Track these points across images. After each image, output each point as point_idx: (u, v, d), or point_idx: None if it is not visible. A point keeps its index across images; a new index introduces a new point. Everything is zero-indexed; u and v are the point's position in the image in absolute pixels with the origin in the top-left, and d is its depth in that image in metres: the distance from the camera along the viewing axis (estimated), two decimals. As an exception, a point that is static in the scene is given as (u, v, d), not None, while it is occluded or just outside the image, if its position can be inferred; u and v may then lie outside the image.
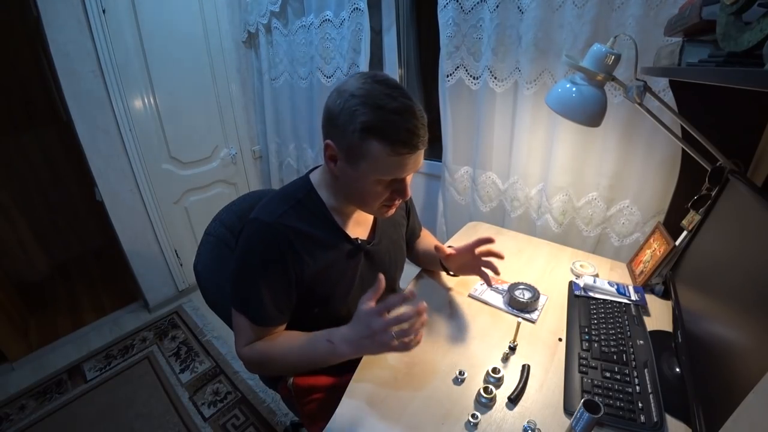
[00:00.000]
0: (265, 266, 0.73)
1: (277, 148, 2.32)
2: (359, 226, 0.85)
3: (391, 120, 0.63)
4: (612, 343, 0.78)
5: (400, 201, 0.76)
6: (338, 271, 0.80)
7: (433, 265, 1.03)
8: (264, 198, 0.82)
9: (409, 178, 0.74)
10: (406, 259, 1.02)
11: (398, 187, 0.72)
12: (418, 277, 1.06)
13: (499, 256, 0.85)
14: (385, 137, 0.63)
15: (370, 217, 0.89)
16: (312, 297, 0.78)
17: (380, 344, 0.65)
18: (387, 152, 0.64)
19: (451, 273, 0.99)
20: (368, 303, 0.66)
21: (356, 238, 0.82)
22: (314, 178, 0.81)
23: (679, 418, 0.64)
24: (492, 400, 0.67)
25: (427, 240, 1.09)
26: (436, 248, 0.92)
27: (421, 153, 0.69)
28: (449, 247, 0.91)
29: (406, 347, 0.65)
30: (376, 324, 0.64)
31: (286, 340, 0.76)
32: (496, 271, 0.85)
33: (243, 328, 0.76)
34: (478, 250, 0.86)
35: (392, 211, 0.79)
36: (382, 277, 0.67)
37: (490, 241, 0.84)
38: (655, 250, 0.97)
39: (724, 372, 0.53)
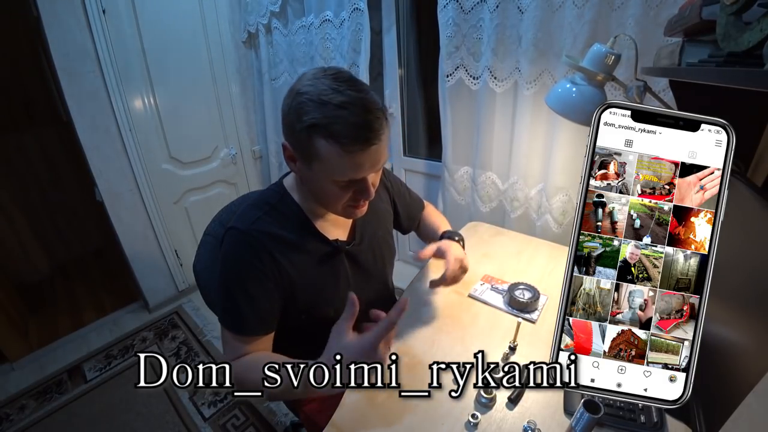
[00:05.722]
0: (243, 274, 0.71)
1: (277, 148, 2.32)
2: (338, 227, 0.82)
3: (336, 115, 0.59)
4: (612, 343, 0.78)
5: (366, 201, 0.72)
6: (319, 275, 0.78)
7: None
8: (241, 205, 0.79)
9: (373, 177, 0.69)
10: (406, 260, 1.01)
11: (359, 188, 0.68)
12: (417, 278, 1.06)
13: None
14: (331, 135, 0.59)
15: None
16: (296, 303, 0.76)
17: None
18: (336, 151, 0.60)
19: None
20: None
21: (335, 240, 0.80)
22: (287, 181, 0.80)
23: (679, 418, 0.64)
24: (492, 400, 0.67)
25: (431, 218, 1.06)
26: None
27: (380, 148, 0.63)
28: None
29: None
30: (377, 356, 0.58)
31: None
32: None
33: (227, 339, 0.74)
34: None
35: (361, 210, 0.74)
36: (354, 298, 0.60)
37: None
38: (655, 250, 0.97)
39: (724, 372, 0.53)
